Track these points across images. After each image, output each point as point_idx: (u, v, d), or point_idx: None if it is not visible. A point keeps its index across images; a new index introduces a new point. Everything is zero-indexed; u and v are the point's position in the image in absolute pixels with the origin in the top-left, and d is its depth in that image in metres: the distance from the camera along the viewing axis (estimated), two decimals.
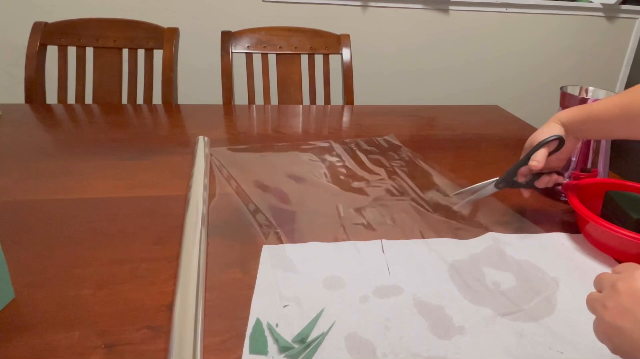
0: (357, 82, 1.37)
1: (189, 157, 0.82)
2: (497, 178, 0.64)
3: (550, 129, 0.62)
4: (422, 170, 0.84)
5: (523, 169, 0.62)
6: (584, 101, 0.71)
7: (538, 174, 0.63)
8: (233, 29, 1.29)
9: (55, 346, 0.42)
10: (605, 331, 0.36)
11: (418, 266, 0.56)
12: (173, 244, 0.57)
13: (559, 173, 0.63)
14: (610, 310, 0.35)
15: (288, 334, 0.44)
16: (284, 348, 0.43)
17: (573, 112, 0.61)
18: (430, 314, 0.48)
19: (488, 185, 0.65)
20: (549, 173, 0.63)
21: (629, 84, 2.40)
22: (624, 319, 0.34)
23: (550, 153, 0.61)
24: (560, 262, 0.58)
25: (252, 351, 0.42)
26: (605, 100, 0.58)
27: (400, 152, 0.91)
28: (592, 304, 0.38)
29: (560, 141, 0.61)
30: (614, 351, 0.36)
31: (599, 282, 0.39)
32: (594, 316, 0.39)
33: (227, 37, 1.27)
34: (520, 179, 0.63)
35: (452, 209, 0.70)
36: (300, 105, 1.27)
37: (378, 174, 0.81)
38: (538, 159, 0.60)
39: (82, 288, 0.50)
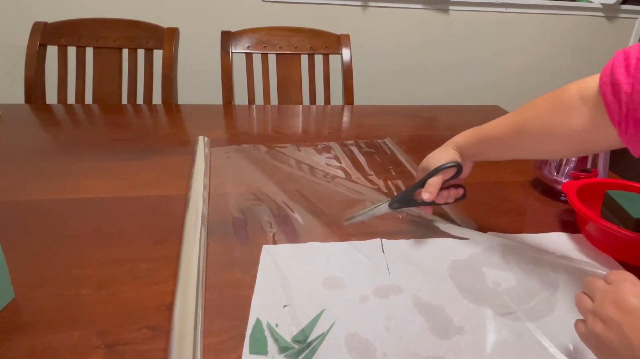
0: (357, 82, 1.37)
1: (189, 157, 0.82)
2: (391, 199, 0.62)
3: (447, 155, 0.60)
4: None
5: (420, 191, 0.60)
6: None
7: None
8: (233, 29, 1.29)
9: (55, 346, 0.42)
10: (594, 343, 0.38)
11: (418, 266, 0.56)
12: (173, 244, 0.57)
13: (459, 186, 0.62)
14: (599, 322, 0.37)
15: (288, 334, 0.44)
16: (283, 348, 0.43)
17: (468, 136, 0.60)
18: (430, 314, 0.48)
19: (381, 205, 0.63)
20: (448, 187, 0.62)
21: None
22: (613, 332, 0.35)
23: (446, 181, 0.60)
24: (560, 262, 0.58)
25: (252, 351, 0.42)
26: (498, 121, 0.57)
27: (396, 155, 0.91)
28: (584, 312, 0.40)
29: (457, 169, 0.59)
30: None
31: (590, 287, 0.40)
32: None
33: (227, 37, 1.27)
34: (418, 197, 0.61)
35: (450, 209, 0.70)
36: (300, 105, 1.27)
37: (376, 175, 0.81)
38: (431, 191, 0.58)
39: (82, 288, 0.50)
